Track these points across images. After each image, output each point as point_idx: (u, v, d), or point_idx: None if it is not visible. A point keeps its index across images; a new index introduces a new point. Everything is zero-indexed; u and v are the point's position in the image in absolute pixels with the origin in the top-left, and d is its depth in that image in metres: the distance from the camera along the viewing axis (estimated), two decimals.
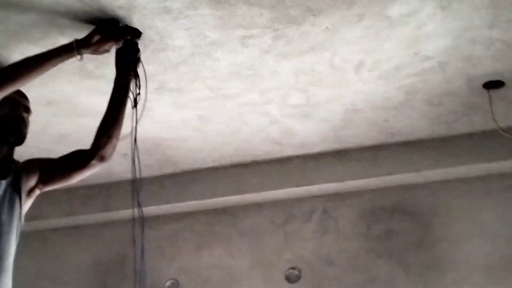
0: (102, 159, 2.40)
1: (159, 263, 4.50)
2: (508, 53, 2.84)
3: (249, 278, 4.37)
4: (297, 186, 4.20)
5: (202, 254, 4.50)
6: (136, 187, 2.42)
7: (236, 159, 4.19)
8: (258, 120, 3.51)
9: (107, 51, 2.33)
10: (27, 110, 2.49)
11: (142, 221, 2.43)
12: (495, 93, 3.24)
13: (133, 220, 2.43)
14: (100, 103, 2.97)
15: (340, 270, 4.20)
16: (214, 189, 4.33)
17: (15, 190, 2.32)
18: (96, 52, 2.29)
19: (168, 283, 4.48)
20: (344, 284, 4.17)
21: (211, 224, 4.55)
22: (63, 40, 2.41)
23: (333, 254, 4.25)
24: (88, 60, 2.60)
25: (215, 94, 3.13)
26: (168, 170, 4.33)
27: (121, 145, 2.41)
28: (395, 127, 3.72)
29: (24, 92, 2.51)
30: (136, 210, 2.42)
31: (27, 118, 2.49)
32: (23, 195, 2.35)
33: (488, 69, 3.00)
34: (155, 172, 4.32)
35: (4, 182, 2.28)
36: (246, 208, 4.49)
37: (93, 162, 2.40)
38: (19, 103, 2.45)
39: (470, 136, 3.86)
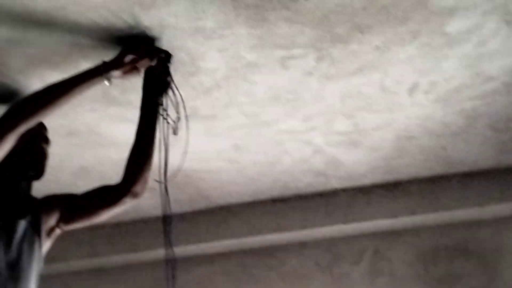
0: (134, 195, 2.43)
1: None
2: None
3: None
4: (344, 223, 4.16)
5: None
6: (166, 224, 2.43)
7: (275, 193, 4.18)
8: (300, 149, 3.51)
9: (138, 73, 2.35)
10: (46, 140, 2.53)
11: (174, 263, 2.44)
12: None
13: (165, 262, 2.43)
14: (126, 132, 3.04)
15: None
16: (251, 227, 4.31)
17: (34, 230, 2.35)
18: (127, 74, 2.31)
19: None
20: None
21: (248, 266, 4.52)
22: (86, 64, 2.45)
23: None
24: (113, 85, 2.63)
25: (252, 121, 3.14)
26: (200, 205, 4.34)
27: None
28: (454, 156, 3.68)
29: (42, 122, 2.56)
30: (167, 251, 2.42)
31: (47, 149, 2.53)
32: (43, 236, 2.39)
33: None
34: (186, 208, 4.33)
35: (23, 222, 2.32)
36: (287, 248, 4.46)
37: (125, 199, 2.42)
38: (38, 133, 2.49)
39: None
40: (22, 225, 2.32)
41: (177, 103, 2.49)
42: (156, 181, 2.42)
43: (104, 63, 2.24)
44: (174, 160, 2.52)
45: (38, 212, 2.43)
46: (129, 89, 2.72)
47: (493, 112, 3.15)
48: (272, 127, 3.22)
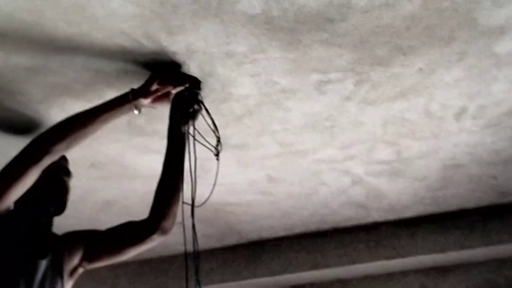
0: (163, 232, 2.43)
1: None
2: None
3: None
4: (387, 258, 4.13)
5: None
6: (195, 262, 2.42)
7: (312, 226, 4.17)
8: (338, 179, 3.50)
9: (168, 100, 2.37)
10: (68, 173, 2.55)
11: None
12: None
13: None
14: (152, 163, 3.07)
15: None
16: (286, 263, 4.30)
17: (56, 271, 2.36)
18: (156, 102, 2.33)
19: None
20: None
21: None
22: (110, 92, 2.48)
23: None
24: (139, 115, 2.66)
25: (287, 150, 3.14)
26: (230, 241, 4.34)
27: None
28: (506, 185, 3.65)
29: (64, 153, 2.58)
30: None
31: (68, 182, 2.54)
32: (65, 276, 2.39)
33: None
34: (215, 243, 4.34)
35: (44, 262, 2.32)
36: (325, 286, 4.44)
37: (154, 236, 2.42)
38: (59, 165, 2.51)
39: None
40: (43, 265, 2.32)
41: (215, 128, 2.50)
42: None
43: (133, 90, 2.26)
44: (202, 192, 2.52)
45: (60, 251, 2.43)
46: (155, 118, 2.74)
47: None
48: (308, 156, 3.22)
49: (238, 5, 2.08)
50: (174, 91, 2.36)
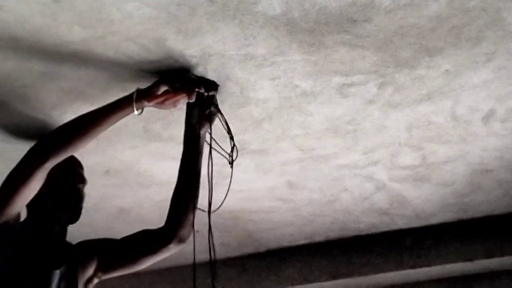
0: (180, 240, 2.44)
1: None
2: None
3: None
4: (412, 267, 4.12)
5: None
6: (211, 270, 2.43)
7: (333, 234, 4.16)
8: (360, 185, 3.50)
9: (175, 106, 2.35)
10: (82, 180, 2.56)
11: None
12: None
13: None
14: (168, 170, 3.08)
15: None
16: (307, 273, 4.30)
17: (70, 282, 2.37)
18: (161, 106, 2.31)
19: None
20: None
21: None
22: None
23: None
24: (155, 119, 2.69)
25: (307, 156, 3.15)
26: (249, 249, 4.34)
27: None
28: None
29: (78, 159, 2.60)
30: None
31: (82, 190, 2.56)
32: (80, 287, 2.40)
33: None
34: (233, 252, 4.34)
35: (57, 273, 2.33)
36: None
37: (171, 245, 2.43)
38: (73, 172, 2.52)
39: None
40: (56, 276, 2.33)
41: (230, 134, 2.52)
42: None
43: (138, 90, 2.25)
44: (220, 199, 2.53)
45: (74, 261, 2.44)
46: (172, 123, 2.75)
47: None
48: (329, 162, 3.23)
49: (258, 6, 2.08)
50: (182, 100, 2.33)
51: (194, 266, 2.35)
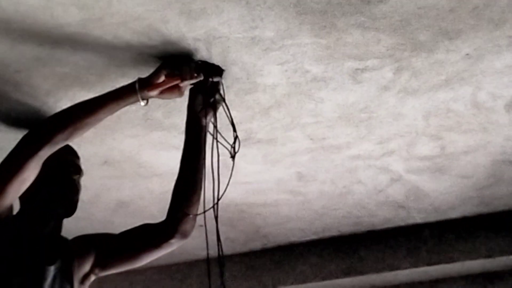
0: (183, 235, 2.45)
1: None
2: None
3: None
4: (429, 264, 4.13)
5: None
6: (219, 267, 2.42)
7: (346, 229, 4.17)
8: (375, 177, 3.50)
9: (179, 94, 2.33)
10: (79, 171, 2.56)
11: None
12: None
13: None
14: (170, 160, 3.08)
15: None
16: (317, 269, 4.31)
17: (65, 278, 2.38)
18: (164, 95, 2.29)
19: None
20: None
21: None
22: (125, 83, 2.47)
23: None
24: (156, 106, 2.68)
25: (318, 145, 3.14)
26: (256, 245, 4.35)
27: None
28: None
29: (74, 149, 2.59)
30: None
31: (79, 181, 2.56)
32: (76, 284, 2.41)
33: None
34: (240, 247, 4.35)
35: (52, 269, 2.34)
36: None
37: (172, 240, 2.43)
38: (69, 163, 2.52)
39: None
40: (51, 272, 2.34)
41: (233, 125, 2.50)
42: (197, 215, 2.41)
43: (140, 80, 2.24)
44: (226, 192, 2.52)
45: (70, 257, 2.45)
46: (174, 111, 2.75)
47: None
48: (341, 152, 3.22)
49: None
50: (182, 85, 2.31)
51: (208, 261, 2.34)
